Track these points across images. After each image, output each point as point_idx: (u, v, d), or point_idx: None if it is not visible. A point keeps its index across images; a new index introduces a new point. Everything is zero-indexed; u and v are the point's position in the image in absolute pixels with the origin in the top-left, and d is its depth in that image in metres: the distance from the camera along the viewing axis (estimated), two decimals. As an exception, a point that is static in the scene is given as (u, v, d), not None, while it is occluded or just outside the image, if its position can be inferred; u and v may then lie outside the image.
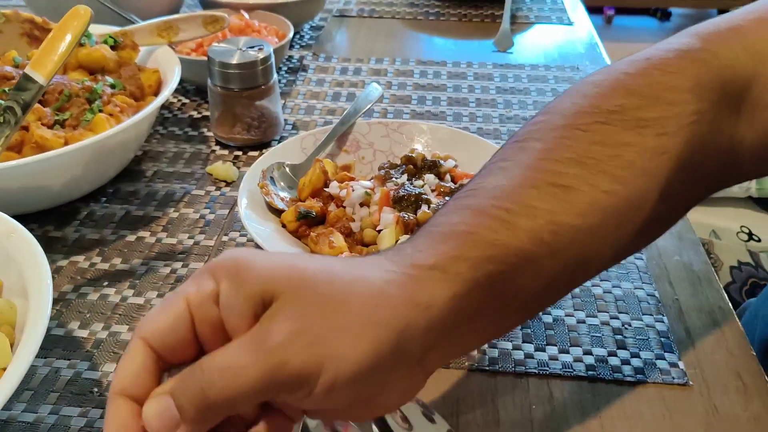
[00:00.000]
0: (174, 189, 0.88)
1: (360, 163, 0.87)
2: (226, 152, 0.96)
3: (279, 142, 0.97)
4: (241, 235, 0.80)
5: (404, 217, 0.71)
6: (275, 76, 0.95)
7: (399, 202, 0.74)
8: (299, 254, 0.50)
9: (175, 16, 0.95)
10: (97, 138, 0.74)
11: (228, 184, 0.89)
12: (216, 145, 0.97)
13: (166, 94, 0.84)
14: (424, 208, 0.74)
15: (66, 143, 0.76)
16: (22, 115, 0.62)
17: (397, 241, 0.70)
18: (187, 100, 1.08)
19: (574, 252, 0.46)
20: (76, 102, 0.80)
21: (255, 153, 0.95)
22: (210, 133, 0.99)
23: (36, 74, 0.62)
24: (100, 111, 0.81)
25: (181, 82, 1.11)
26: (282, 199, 0.78)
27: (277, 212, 0.77)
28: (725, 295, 0.73)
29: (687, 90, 0.51)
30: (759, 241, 1.54)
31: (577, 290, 0.72)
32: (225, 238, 0.79)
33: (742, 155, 0.54)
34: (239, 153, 0.95)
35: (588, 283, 0.74)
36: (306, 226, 0.75)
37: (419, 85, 1.12)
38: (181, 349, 0.40)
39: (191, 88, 1.11)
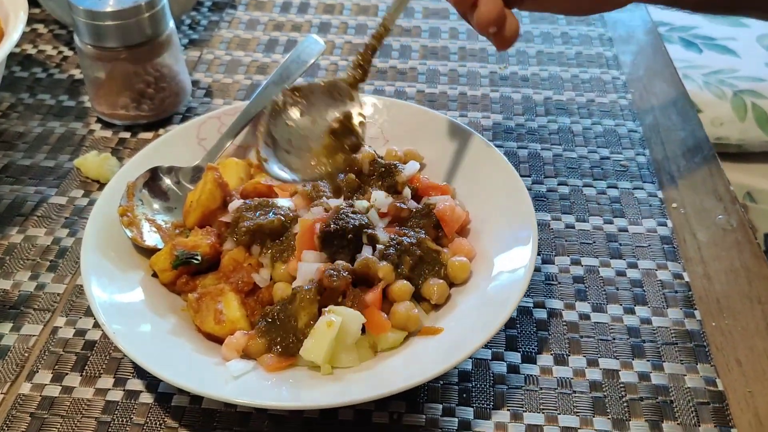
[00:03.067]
0: (25, 194, 0.62)
1: (286, 158, 0.61)
2: (108, 133, 0.69)
3: (183, 116, 0.71)
4: (106, 276, 0.55)
5: (332, 275, 0.46)
6: (171, 24, 0.67)
7: (329, 240, 0.49)
8: None
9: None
10: None
11: (102, 185, 0.63)
12: (97, 122, 0.71)
13: None
14: (366, 252, 0.48)
15: None
16: None
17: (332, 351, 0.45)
18: (70, 53, 0.80)
19: None
20: None
21: (148, 134, 0.69)
22: (90, 102, 0.72)
23: None
24: None
25: (65, 27, 0.83)
26: (158, 229, 0.53)
27: (150, 252, 0.51)
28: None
29: None
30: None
31: None
32: (81, 281, 0.55)
33: None
34: (126, 135, 0.69)
35: None
36: (188, 275, 0.50)
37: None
38: None
39: (79, 34, 0.82)
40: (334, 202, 0.51)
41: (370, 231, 0.49)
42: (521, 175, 0.63)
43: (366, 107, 0.62)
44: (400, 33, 0.83)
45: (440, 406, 0.46)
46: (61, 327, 0.51)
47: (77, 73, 0.77)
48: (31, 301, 0.53)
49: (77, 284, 0.54)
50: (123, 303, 0.47)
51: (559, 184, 0.63)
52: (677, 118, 0.71)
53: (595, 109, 0.72)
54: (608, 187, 0.63)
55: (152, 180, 0.55)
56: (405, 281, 0.48)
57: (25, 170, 0.65)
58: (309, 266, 0.47)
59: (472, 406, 0.46)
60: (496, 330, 0.44)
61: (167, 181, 0.55)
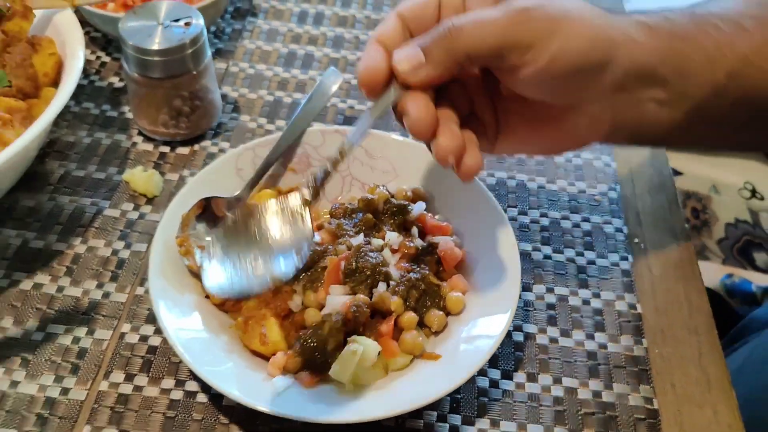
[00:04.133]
0: (83, 205, 0.72)
1: (311, 186, 0.71)
2: (150, 146, 0.78)
3: (215, 131, 0.80)
4: (160, 288, 0.65)
5: (355, 311, 0.57)
6: (208, 54, 0.75)
7: (351, 275, 0.60)
8: None
9: (79, -29, 0.73)
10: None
11: (149, 200, 0.73)
12: (138, 134, 0.80)
13: (62, 100, 0.66)
14: (381, 287, 0.60)
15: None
16: None
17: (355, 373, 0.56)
18: (108, 58, 0.88)
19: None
20: (-55, 114, 0.62)
21: (185, 150, 0.78)
22: (132, 116, 0.81)
23: None
24: (-23, 126, 0.63)
25: (99, 30, 0.90)
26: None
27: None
28: None
29: None
30: (762, 199, 1.42)
31: None
32: (140, 290, 0.65)
33: None
34: (166, 149, 0.78)
35: None
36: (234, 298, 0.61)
37: (394, 45, 0.92)
38: (425, 25, 0.50)
39: (114, 37, 0.90)
40: (355, 241, 0.62)
41: (384, 269, 0.61)
42: (509, 205, 0.75)
43: (378, 142, 0.72)
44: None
45: (435, 413, 0.59)
46: (127, 333, 0.63)
47: (116, 81, 0.85)
48: (99, 308, 0.64)
49: (136, 294, 0.65)
50: (185, 323, 0.58)
51: (540, 216, 0.74)
52: (648, 154, 0.81)
53: (577, 141, 0.82)
54: (582, 221, 0.74)
55: (201, 211, 0.65)
56: (412, 313, 0.59)
57: (80, 182, 0.74)
58: (336, 299, 0.59)
59: (460, 414, 0.59)
60: (484, 361, 0.56)
61: (213, 211, 0.66)
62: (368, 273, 0.60)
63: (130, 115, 0.81)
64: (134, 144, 0.79)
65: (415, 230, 0.65)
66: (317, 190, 0.52)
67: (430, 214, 0.67)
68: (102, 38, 0.90)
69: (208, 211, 0.65)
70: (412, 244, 0.63)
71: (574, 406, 0.60)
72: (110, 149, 0.78)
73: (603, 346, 0.64)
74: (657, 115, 0.53)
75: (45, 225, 0.70)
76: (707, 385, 0.62)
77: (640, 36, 0.51)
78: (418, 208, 0.66)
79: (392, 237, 0.63)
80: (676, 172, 1.44)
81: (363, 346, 0.56)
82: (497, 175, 0.78)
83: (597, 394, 0.61)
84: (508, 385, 0.61)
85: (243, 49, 0.91)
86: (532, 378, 0.61)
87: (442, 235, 0.65)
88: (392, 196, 0.67)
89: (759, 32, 0.52)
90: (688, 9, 0.54)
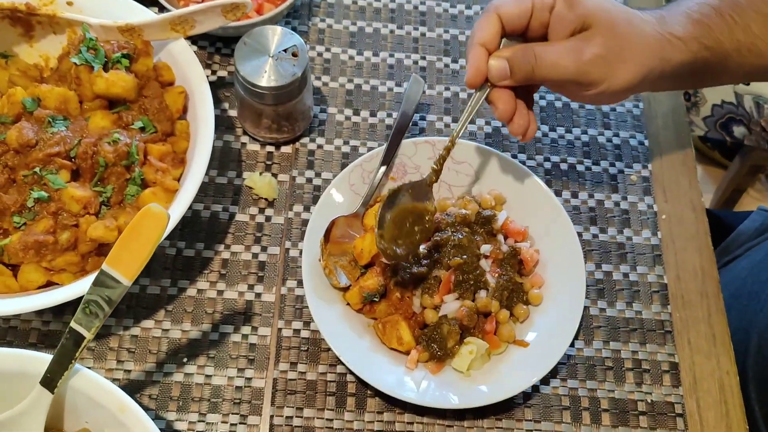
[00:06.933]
0: (216, 211, 0.86)
1: (406, 189, 0.86)
2: (257, 146, 0.90)
3: (311, 128, 0.92)
4: (299, 287, 0.82)
5: (469, 316, 0.76)
6: (310, 79, 0.85)
7: (459, 286, 0.78)
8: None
9: (191, 8, 0.79)
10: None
11: (270, 203, 0.87)
12: (244, 134, 0.91)
13: (203, 164, 0.77)
14: (482, 293, 0.78)
15: (119, 232, 0.73)
16: (108, 309, 0.61)
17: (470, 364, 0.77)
18: (195, 47, 0.96)
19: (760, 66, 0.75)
20: (113, 171, 0.74)
21: (288, 149, 0.91)
22: (234, 113, 0.92)
23: (118, 275, 0.59)
24: (142, 179, 0.75)
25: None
26: (343, 268, 0.80)
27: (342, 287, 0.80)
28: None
29: None
30: (747, 84, 1.58)
31: None
32: (284, 290, 0.83)
33: None
34: (272, 149, 0.90)
35: None
36: (369, 304, 0.79)
37: (451, 16, 1.01)
38: (517, 28, 0.70)
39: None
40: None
41: (484, 279, 0.79)
42: (563, 188, 0.91)
43: (462, 150, 0.86)
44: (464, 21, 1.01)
45: (522, 378, 0.81)
46: (282, 328, 0.81)
47: (209, 73, 0.94)
48: (255, 308, 0.82)
49: (282, 294, 0.83)
50: (337, 328, 0.76)
51: (588, 197, 0.91)
52: (673, 129, 0.96)
53: (613, 120, 0.96)
54: (622, 200, 0.91)
55: (331, 233, 0.80)
56: (505, 310, 0.79)
57: (207, 187, 0.87)
58: (450, 305, 0.77)
59: (539, 377, 0.81)
60: (560, 354, 0.76)
61: (340, 231, 0.81)
62: (472, 282, 0.78)
63: (231, 113, 0.92)
64: (243, 144, 0.90)
65: (500, 237, 0.82)
66: (438, 172, 0.75)
67: (510, 219, 0.84)
68: (182, 23, 0.97)
69: (335, 231, 0.81)
70: (499, 251, 0.81)
71: (619, 363, 0.82)
72: (224, 151, 0.90)
73: (639, 313, 0.85)
74: (679, 84, 0.78)
75: (190, 232, 0.85)
76: (713, 340, 0.85)
77: (674, 55, 0.70)
78: (502, 217, 0.83)
79: (486, 248, 0.80)
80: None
81: (476, 346, 0.76)
82: (552, 160, 0.93)
83: (635, 353, 0.83)
84: (571, 351, 0.82)
85: (315, 28, 0.98)
86: (588, 343, 0.83)
87: (522, 239, 0.82)
88: (479, 204, 0.83)
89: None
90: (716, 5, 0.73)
